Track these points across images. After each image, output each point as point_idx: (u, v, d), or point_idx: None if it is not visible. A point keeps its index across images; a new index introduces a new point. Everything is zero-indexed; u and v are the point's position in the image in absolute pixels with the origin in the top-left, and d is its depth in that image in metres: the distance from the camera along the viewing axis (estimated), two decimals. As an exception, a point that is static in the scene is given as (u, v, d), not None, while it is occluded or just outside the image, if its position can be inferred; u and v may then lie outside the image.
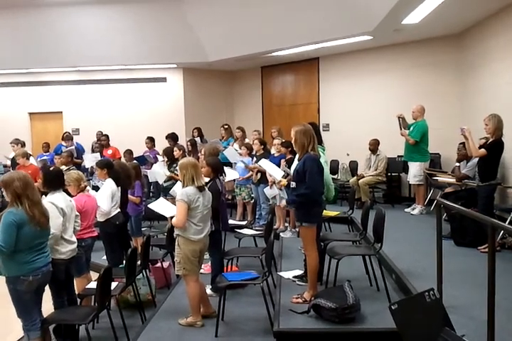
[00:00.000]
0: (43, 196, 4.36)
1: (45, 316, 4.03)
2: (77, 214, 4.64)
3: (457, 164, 7.49)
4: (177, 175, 7.23)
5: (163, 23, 10.77)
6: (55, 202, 4.25)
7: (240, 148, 8.39)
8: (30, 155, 9.70)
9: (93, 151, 11.21)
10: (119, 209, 5.58)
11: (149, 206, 6.08)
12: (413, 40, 9.25)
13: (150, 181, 8.88)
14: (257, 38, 10.01)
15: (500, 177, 6.54)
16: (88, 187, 5.45)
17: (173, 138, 9.57)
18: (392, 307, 3.03)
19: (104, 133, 11.20)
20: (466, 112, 8.64)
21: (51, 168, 4.72)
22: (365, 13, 7.82)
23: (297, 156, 4.75)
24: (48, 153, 10.57)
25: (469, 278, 4.76)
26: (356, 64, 10.43)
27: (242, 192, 8.14)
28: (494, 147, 5.76)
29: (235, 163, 8.23)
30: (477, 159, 6.09)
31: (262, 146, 7.90)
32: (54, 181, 4.48)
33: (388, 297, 4.48)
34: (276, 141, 7.57)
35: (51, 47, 10.90)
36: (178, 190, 5.74)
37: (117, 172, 5.73)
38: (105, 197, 5.36)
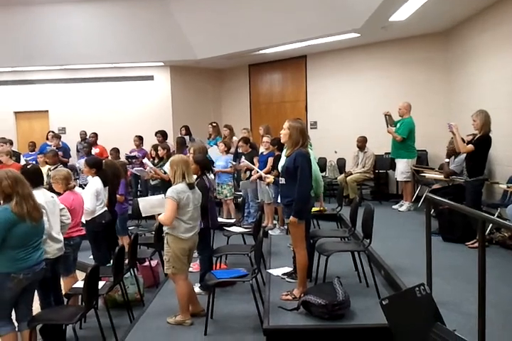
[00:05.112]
0: None
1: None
2: (62, 206, 4.51)
3: (446, 160, 7.50)
4: (164, 173, 7.22)
5: (151, 21, 10.69)
6: None
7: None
8: (20, 154, 9.61)
9: (78, 151, 11.13)
10: (105, 208, 5.51)
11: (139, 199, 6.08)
12: (400, 37, 9.27)
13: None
14: (244, 35, 9.97)
15: (488, 173, 6.59)
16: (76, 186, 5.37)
17: (163, 134, 9.55)
18: (383, 303, 3.03)
19: (89, 132, 11.15)
20: (453, 109, 8.68)
21: (28, 166, 4.61)
22: (352, 11, 7.81)
23: (284, 152, 4.72)
24: (33, 152, 10.47)
25: (458, 273, 4.77)
26: (344, 61, 10.44)
27: (224, 189, 7.98)
28: (482, 142, 5.78)
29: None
30: (464, 155, 6.11)
31: (248, 145, 7.87)
32: (33, 179, 4.32)
33: (378, 293, 4.47)
34: (265, 139, 7.54)
35: (38, 45, 10.76)
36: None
37: (105, 172, 5.66)
38: (89, 195, 5.29)
